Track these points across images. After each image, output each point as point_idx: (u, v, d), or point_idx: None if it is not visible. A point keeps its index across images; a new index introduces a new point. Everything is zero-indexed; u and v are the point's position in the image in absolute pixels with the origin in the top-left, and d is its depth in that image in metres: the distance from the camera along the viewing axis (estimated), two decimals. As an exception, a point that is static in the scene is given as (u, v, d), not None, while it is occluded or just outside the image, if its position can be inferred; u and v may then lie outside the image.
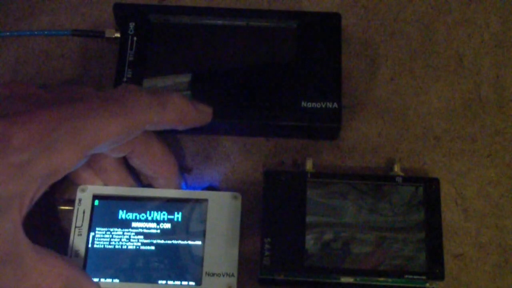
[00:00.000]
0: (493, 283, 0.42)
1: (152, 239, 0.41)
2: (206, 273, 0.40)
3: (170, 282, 0.40)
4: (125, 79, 0.44)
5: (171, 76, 0.45)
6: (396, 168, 0.43)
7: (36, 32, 0.48)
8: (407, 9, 0.50)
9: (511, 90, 0.47)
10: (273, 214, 0.41)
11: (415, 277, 0.40)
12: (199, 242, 0.41)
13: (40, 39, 0.48)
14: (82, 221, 0.41)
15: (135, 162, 0.40)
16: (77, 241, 0.40)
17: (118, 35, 0.46)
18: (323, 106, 0.43)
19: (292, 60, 0.45)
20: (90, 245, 0.40)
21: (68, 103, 0.34)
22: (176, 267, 0.40)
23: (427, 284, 0.41)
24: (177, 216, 0.41)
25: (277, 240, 0.40)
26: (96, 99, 0.35)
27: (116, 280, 0.40)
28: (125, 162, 0.41)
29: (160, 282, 0.40)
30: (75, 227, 0.40)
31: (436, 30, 0.49)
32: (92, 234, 0.41)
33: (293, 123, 0.43)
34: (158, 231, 0.41)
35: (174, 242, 0.41)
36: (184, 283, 0.40)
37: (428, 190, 0.42)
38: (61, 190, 0.44)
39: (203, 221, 0.41)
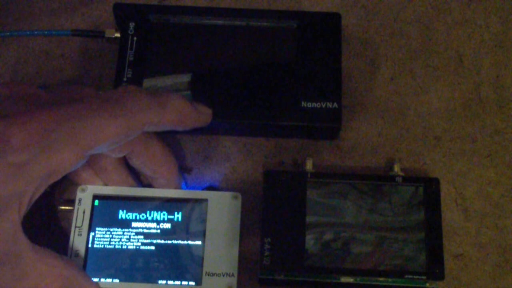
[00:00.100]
0: (493, 283, 0.42)
1: (152, 239, 0.41)
2: (206, 273, 0.40)
3: (170, 282, 0.40)
4: (125, 79, 0.44)
5: (171, 76, 0.45)
6: (396, 168, 0.43)
7: (36, 32, 0.48)
8: (407, 9, 0.50)
9: (511, 90, 0.47)
10: (273, 214, 0.41)
11: (415, 277, 0.40)
12: (199, 242, 0.41)
13: (40, 39, 0.48)
14: (82, 221, 0.41)
15: (135, 162, 0.40)
16: (77, 241, 0.40)
17: (118, 35, 0.46)
18: (323, 106, 0.43)
19: (292, 60, 0.45)
20: (90, 245, 0.40)
21: (67, 104, 0.34)
22: (176, 267, 0.40)
23: (427, 284, 0.41)
24: (177, 216, 0.41)
25: (277, 240, 0.40)
26: (95, 99, 0.35)
27: (116, 280, 0.40)
28: (125, 162, 0.41)
29: (160, 282, 0.40)
30: (75, 227, 0.40)
31: (436, 30, 0.49)
32: (92, 234, 0.41)
33: (293, 123, 0.43)
34: (158, 231, 0.41)
35: (174, 242, 0.41)
36: (184, 283, 0.40)
37: (428, 190, 0.42)
38: (61, 190, 0.44)
39: (203, 221, 0.41)
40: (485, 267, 0.43)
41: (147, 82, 0.44)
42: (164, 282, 0.40)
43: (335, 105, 0.43)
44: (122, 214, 0.41)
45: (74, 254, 0.40)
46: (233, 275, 0.40)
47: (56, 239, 0.42)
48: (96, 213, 0.41)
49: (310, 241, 0.40)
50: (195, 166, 0.45)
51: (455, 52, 0.48)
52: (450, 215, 0.44)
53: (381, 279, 0.40)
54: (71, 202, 0.42)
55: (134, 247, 0.41)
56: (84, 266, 0.40)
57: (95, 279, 0.39)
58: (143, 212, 0.41)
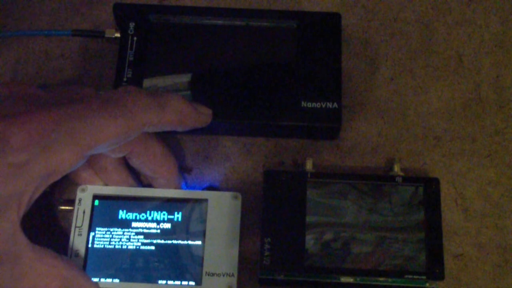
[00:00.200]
0: (493, 283, 0.42)
1: (152, 239, 0.41)
2: (206, 273, 0.40)
3: (170, 282, 0.40)
4: (125, 79, 0.44)
5: (171, 76, 0.45)
6: (396, 168, 0.43)
7: (36, 32, 0.48)
8: (407, 9, 0.50)
9: (511, 90, 0.47)
10: (273, 214, 0.41)
11: (415, 277, 0.40)
12: (199, 242, 0.41)
13: (40, 39, 0.48)
14: (82, 221, 0.41)
15: (135, 163, 0.40)
16: (77, 241, 0.40)
17: (118, 35, 0.46)
18: (323, 106, 0.43)
19: (292, 60, 0.45)
20: (90, 245, 0.40)
21: (67, 104, 0.34)
22: (176, 267, 0.40)
23: (427, 284, 0.41)
24: (177, 216, 0.41)
25: (277, 240, 0.40)
26: (95, 100, 0.35)
27: (116, 280, 0.40)
28: (125, 162, 0.41)
29: (160, 282, 0.40)
30: (75, 227, 0.40)
31: (436, 30, 0.49)
32: (92, 234, 0.41)
33: (293, 123, 0.43)
34: (158, 231, 0.41)
35: (174, 242, 0.41)
36: (184, 283, 0.40)
37: (428, 190, 0.42)
38: (61, 190, 0.44)
39: (203, 221, 0.41)
40: (485, 267, 0.43)
41: (147, 82, 0.44)
42: (164, 282, 0.40)
43: (335, 105, 0.43)
44: (122, 214, 0.41)
45: (74, 254, 0.40)
46: (233, 275, 0.40)
47: (56, 239, 0.42)
48: (96, 213, 0.41)
49: (310, 241, 0.40)
50: (195, 166, 0.45)
51: (455, 52, 0.48)
52: (450, 215, 0.44)
53: (381, 279, 0.40)
54: (71, 202, 0.42)
55: (134, 247, 0.41)
56: (84, 266, 0.40)
57: (95, 279, 0.40)
58: (143, 212, 0.41)
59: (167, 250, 0.40)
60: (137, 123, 0.36)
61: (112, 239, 0.41)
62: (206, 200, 0.42)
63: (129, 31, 0.46)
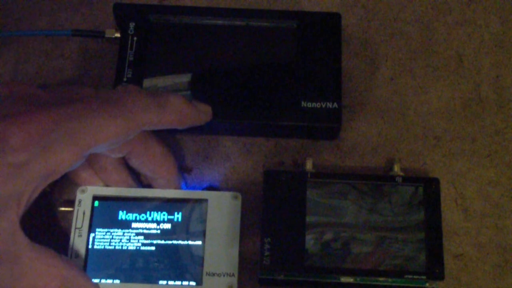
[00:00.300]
0: (493, 283, 0.42)
1: (152, 239, 0.41)
2: (206, 273, 0.40)
3: (170, 282, 0.40)
4: (125, 79, 0.44)
5: (171, 76, 0.45)
6: (396, 168, 0.43)
7: (36, 32, 0.48)
8: (407, 9, 0.50)
9: (511, 90, 0.47)
10: (273, 214, 0.41)
11: (415, 277, 0.40)
12: (199, 242, 0.41)
13: (40, 39, 0.48)
14: (82, 222, 0.41)
15: (135, 163, 0.40)
16: (77, 242, 0.40)
17: (118, 35, 0.46)
18: (323, 106, 0.43)
19: (292, 60, 0.45)
20: (90, 246, 0.40)
21: (67, 104, 0.34)
22: (176, 267, 0.40)
23: (427, 284, 0.41)
24: (177, 216, 0.41)
25: (277, 240, 0.40)
26: (95, 99, 0.35)
27: (117, 281, 0.40)
28: (125, 162, 0.41)
29: (160, 282, 0.40)
30: (75, 228, 0.40)
31: (436, 30, 0.49)
32: (92, 235, 0.41)
33: (293, 123, 0.43)
34: (158, 231, 0.41)
35: (174, 242, 0.41)
36: (185, 283, 0.40)
37: (428, 190, 0.42)
38: (60, 191, 0.44)
39: (203, 221, 0.41)
40: (485, 267, 0.43)
41: (147, 82, 0.44)
42: (164, 282, 0.40)
43: (335, 105, 0.43)
44: (122, 215, 0.41)
45: (74, 255, 0.40)
46: (233, 275, 0.40)
47: (56, 240, 0.42)
48: (96, 214, 0.41)
49: (310, 241, 0.40)
50: (195, 166, 0.45)
51: (455, 52, 0.48)
52: (450, 215, 0.44)
53: (381, 279, 0.40)
54: (71, 203, 0.42)
55: (134, 247, 0.41)
56: (85, 267, 0.40)
57: (96, 280, 0.39)
58: (143, 213, 0.41)
59: (167, 251, 0.40)
60: (136, 123, 0.36)
61: (112, 240, 0.41)
62: (206, 200, 0.42)
63: (129, 31, 0.46)
